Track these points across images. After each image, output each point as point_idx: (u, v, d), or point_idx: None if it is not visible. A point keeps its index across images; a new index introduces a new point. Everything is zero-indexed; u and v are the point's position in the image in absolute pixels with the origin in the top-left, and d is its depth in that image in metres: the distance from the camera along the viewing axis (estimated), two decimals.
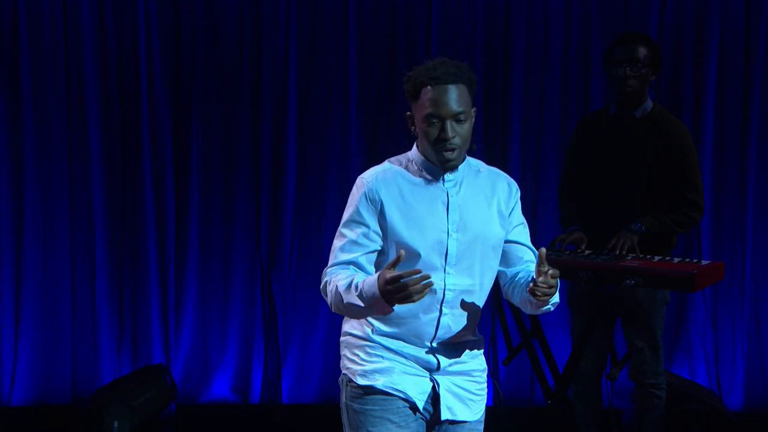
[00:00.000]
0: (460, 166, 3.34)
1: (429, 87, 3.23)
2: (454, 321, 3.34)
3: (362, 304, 3.17)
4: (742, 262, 6.10)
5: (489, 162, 3.48)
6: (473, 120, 3.29)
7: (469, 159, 3.39)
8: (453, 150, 3.26)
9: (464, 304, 3.34)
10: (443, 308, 3.32)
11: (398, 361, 3.35)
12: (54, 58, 6.01)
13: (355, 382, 3.36)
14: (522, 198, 3.48)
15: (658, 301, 4.96)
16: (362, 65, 6.09)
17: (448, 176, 3.33)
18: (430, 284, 3.09)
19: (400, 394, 3.33)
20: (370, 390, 3.33)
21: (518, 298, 3.38)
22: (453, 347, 3.38)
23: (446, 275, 3.30)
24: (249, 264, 6.16)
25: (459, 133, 3.25)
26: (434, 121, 3.24)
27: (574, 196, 5.10)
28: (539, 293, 3.19)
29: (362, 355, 3.36)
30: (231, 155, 6.13)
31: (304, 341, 6.18)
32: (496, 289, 3.57)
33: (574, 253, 4.86)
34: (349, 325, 3.42)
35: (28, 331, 6.10)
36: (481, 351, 3.47)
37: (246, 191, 6.13)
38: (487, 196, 3.38)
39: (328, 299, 3.28)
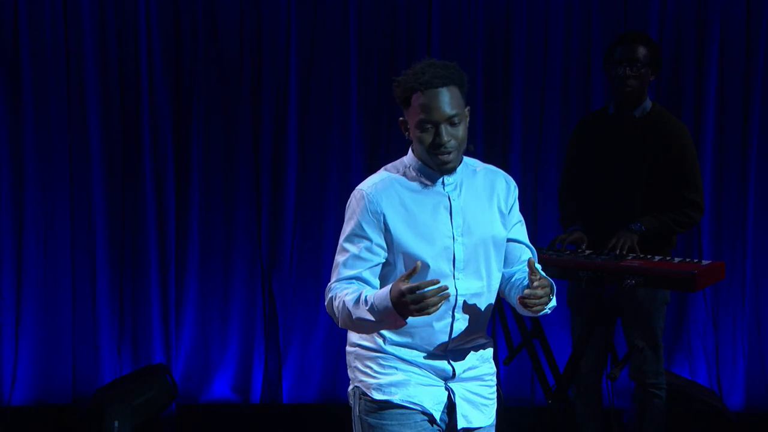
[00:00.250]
0: (457, 168, 3.29)
1: (419, 92, 3.16)
2: (466, 325, 3.29)
3: (373, 318, 3.09)
4: (742, 262, 6.10)
5: (489, 162, 3.46)
6: (468, 120, 3.24)
7: (465, 159, 3.35)
8: (450, 153, 3.21)
9: (475, 307, 3.29)
10: (455, 314, 3.27)
11: (413, 372, 3.28)
12: (54, 58, 6.01)
13: (370, 396, 3.28)
14: (522, 198, 3.47)
15: (658, 301, 4.96)
16: (363, 65, 6.09)
17: (447, 180, 3.28)
18: (447, 295, 3.04)
19: (417, 407, 3.27)
20: (387, 405, 3.26)
21: (514, 301, 3.33)
22: (465, 352, 3.33)
23: (456, 281, 3.25)
24: (249, 264, 6.15)
25: (454, 135, 3.19)
26: (428, 126, 3.18)
27: (574, 196, 5.10)
28: (530, 304, 3.16)
29: (375, 367, 3.29)
30: (231, 155, 6.12)
31: (304, 341, 6.18)
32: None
33: (575, 253, 4.86)
34: (358, 336, 3.32)
35: (29, 331, 6.10)
36: (491, 353, 3.43)
37: (246, 191, 6.13)
38: (487, 196, 3.34)
39: (336, 315, 3.20)
